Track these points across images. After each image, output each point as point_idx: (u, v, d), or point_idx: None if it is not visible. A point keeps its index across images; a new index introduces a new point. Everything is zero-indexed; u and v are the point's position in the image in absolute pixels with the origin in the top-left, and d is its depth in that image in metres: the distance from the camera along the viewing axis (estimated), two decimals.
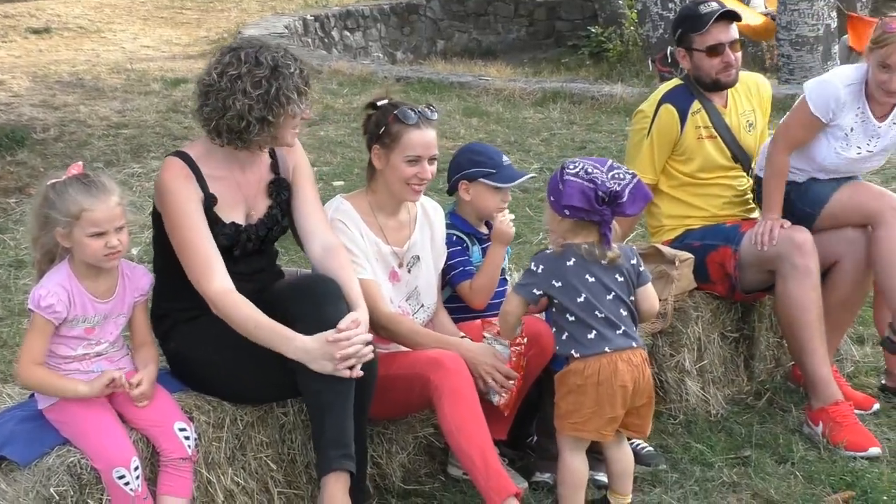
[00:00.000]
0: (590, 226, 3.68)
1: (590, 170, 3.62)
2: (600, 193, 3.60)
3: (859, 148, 4.66)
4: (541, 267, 3.71)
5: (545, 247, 3.87)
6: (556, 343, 3.77)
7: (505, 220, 4.18)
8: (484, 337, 4.03)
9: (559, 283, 3.68)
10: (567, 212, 3.64)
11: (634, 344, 3.72)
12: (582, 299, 3.66)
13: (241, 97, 3.67)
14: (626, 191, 3.62)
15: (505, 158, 4.30)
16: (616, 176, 3.62)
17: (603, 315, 3.67)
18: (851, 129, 4.62)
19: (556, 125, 10.36)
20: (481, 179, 4.25)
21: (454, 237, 4.29)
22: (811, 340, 4.55)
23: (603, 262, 3.68)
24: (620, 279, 3.72)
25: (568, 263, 3.68)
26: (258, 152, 3.88)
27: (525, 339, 3.94)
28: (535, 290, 3.72)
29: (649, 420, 3.86)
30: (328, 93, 11.62)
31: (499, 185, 4.24)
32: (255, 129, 3.71)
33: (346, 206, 4.07)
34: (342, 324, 3.57)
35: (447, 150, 8.96)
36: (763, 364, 5.12)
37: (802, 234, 4.58)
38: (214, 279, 3.65)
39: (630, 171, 3.68)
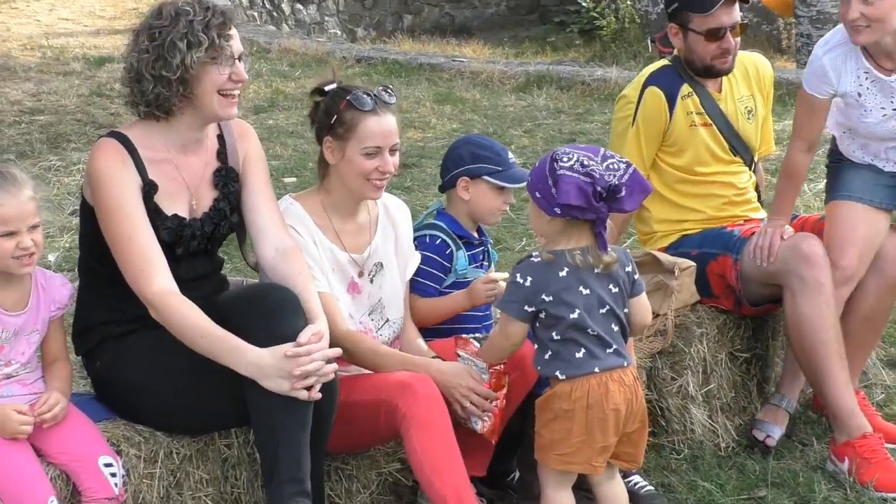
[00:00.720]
0: (582, 225, 3.68)
1: (585, 162, 3.61)
2: (598, 189, 3.59)
3: (883, 108, 4.62)
4: (528, 279, 3.70)
5: (528, 253, 3.86)
6: (537, 362, 3.77)
7: (494, 289, 4.14)
8: (458, 356, 4.02)
9: (549, 298, 3.68)
10: (559, 210, 3.64)
11: (625, 363, 3.74)
12: (575, 315, 3.66)
13: (137, 55, 3.69)
14: (624, 183, 3.63)
15: (510, 155, 4.33)
16: (612, 167, 3.63)
17: (595, 333, 3.68)
18: (859, 95, 4.61)
19: (541, 114, 10.38)
20: (485, 177, 4.28)
21: (438, 240, 4.31)
22: (829, 364, 4.53)
23: (597, 269, 3.69)
24: (615, 290, 3.73)
25: (560, 274, 3.68)
26: (201, 133, 3.86)
27: (505, 360, 3.94)
28: (526, 308, 3.70)
29: (643, 448, 3.87)
30: (277, 75, 11.60)
31: (506, 185, 4.27)
32: (160, 91, 3.67)
33: (296, 207, 4.06)
34: (302, 337, 3.56)
35: (416, 143, 9.02)
36: None
37: (810, 242, 4.56)
38: (155, 279, 3.63)
39: (623, 160, 3.68)
